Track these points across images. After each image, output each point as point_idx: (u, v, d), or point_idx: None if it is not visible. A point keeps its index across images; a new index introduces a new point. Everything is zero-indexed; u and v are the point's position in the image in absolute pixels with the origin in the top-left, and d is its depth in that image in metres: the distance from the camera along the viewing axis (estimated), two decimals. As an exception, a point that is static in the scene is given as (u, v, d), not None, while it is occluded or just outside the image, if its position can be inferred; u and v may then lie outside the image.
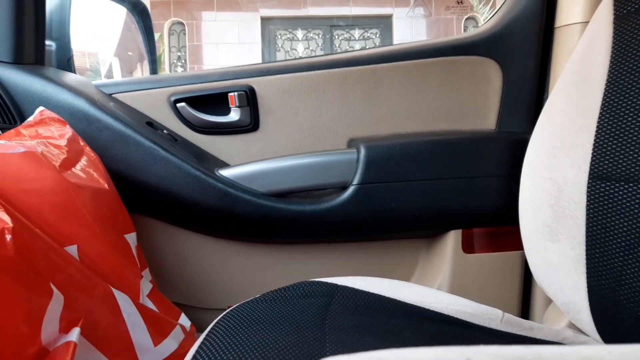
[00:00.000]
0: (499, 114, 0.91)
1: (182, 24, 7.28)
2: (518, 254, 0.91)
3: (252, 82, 0.92)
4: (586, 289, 0.52)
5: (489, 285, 0.91)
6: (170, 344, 0.73)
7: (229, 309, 0.59)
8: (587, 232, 0.52)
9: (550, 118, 0.59)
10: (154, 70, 1.59)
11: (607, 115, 0.51)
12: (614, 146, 0.50)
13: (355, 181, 0.87)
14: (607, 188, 0.50)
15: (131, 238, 0.78)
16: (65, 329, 0.55)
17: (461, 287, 0.91)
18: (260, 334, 0.50)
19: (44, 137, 0.71)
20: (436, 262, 0.93)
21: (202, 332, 0.56)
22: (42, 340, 0.50)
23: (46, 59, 0.95)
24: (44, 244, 0.56)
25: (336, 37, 7.45)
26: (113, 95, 0.93)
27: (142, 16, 1.47)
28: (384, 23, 7.44)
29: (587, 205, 0.52)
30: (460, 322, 0.56)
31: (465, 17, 7.33)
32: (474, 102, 0.91)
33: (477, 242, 0.90)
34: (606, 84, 0.51)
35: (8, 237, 0.50)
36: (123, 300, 0.66)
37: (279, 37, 7.45)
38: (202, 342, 0.51)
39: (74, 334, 0.55)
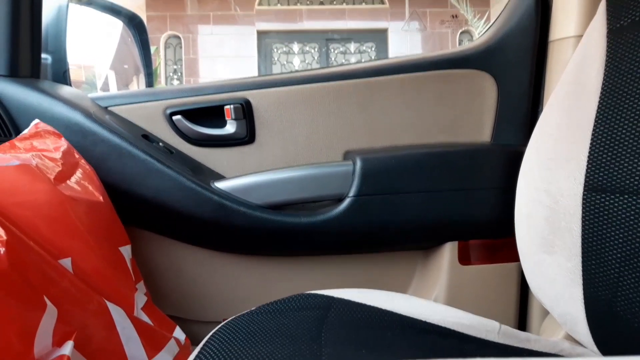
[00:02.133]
0: (494, 126, 0.91)
1: (178, 37, 7.31)
2: (514, 266, 0.91)
3: (248, 95, 0.92)
4: (583, 301, 0.52)
5: (485, 297, 0.91)
6: (165, 357, 0.72)
7: (224, 322, 0.58)
8: (583, 244, 0.52)
9: (545, 130, 0.59)
10: (149, 83, 1.60)
11: (601, 128, 0.51)
12: (608, 158, 0.50)
13: (351, 193, 0.87)
14: (602, 200, 0.50)
15: (126, 251, 0.78)
16: (58, 342, 0.54)
17: (458, 299, 0.90)
18: (256, 347, 0.49)
19: (39, 150, 0.71)
20: (433, 274, 0.93)
21: (197, 345, 0.56)
22: (35, 354, 0.50)
23: (42, 72, 0.95)
24: (38, 257, 0.56)
25: (332, 50, 7.50)
26: (109, 108, 0.93)
27: (138, 29, 1.47)
28: (379, 37, 7.49)
29: (583, 217, 0.52)
30: (457, 334, 0.56)
31: (460, 31, 7.39)
32: (469, 115, 0.91)
33: (474, 253, 0.90)
34: (600, 97, 0.52)
35: (2, 250, 0.49)
36: (117, 313, 0.65)
37: (275, 50, 7.50)
38: (197, 356, 0.50)
39: (68, 348, 0.54)
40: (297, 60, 7.50)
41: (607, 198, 0.50)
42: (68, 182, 0.70)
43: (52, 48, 1.05)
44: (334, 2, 7.38)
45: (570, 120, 0.55)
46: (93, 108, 0.90)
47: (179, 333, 0.82)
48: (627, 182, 0.48)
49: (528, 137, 0.64)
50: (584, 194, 0.52)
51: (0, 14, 0.85)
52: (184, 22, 7.28)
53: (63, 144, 0.77)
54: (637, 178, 0.47)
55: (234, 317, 0.59)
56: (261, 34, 7.39)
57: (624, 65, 0.50)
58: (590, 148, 0.52)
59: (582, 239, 0.52)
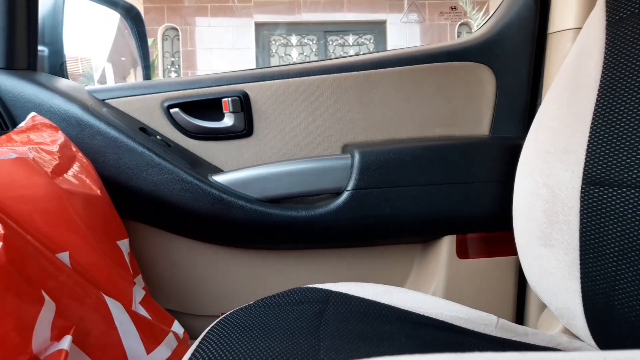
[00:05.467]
0: (493, 119, 0.91)
1: (175, 29, 7.28)
2: (512, 260, 0.91)
3: (246, 87, 0.92)
4: (580, 294, 0.52)
5: (483, 291, 0.91)
6: (163, 351, 0.72)
7: (223, 316, 0.58)
8: (580, 237, 0.52)
9: (544, 123, 0.59)
10: (147, 75, 1.59)
11: (600, 121, 0.51)
12: (607, 151, 0.50)
13: (350, 187, 0.86)
14: (600, 193, 0.50)
15: (124, 245, 0.78)
16: (56, 336, 0.54)
17: (456, 292, 0.91)
18: (254, 341, 0.49)
19: (35, 143, 0.71)
20: (431, 268, 0.93)
21: (195, 339, 0.56)
22: (33, 349, 0.50)
23: (39, 64, 0.94)
24: (36, 251, 0.56)
25: (330, 42, 7.47)
26: (106, 101, 0.93)
27: (135, 21, 1.47)
28: (377, 29, 7.46)
29: (581, 211, 0.52)
30: (455, 328, 0.56)
31: (459, 23, 7.37)
32: (467, 108, 0.91)
33: (472, 247, 0.90)
34: (599, 90, 0.52)
35: (0, 244, 0.49)
36: (115, 307, 0.65)
37: (273, 42, 7.47)
38: (195, 350, 0.50)
39: (66, 342, 0.54)
40: (295, 52, 7.47)
41: (605, 191, 0.49)
42: (65, 175, 0.69)
43: (48, 40, 1.05)
44: (332, -6, 7.35)
45: (569, 113, 0.55)
46: (90, 101, 0.90)
47: (177, 327, 0.82)
48: (625, 175, 0.48)
49: (527, 129, 0.64)
50: (582, 187, 0.52)
51: (-4, 6, 0.85)
52: (182, 13, 7.24)
53: (60, 137, 0.76)
54: (634, 171, 0.47)
55: (232, 311, 0.59)
56: (259, 26, 7.36)
57: (623, 58, 0.50)
58: (588, 141, 0.52)
59: (580, 233, 0.52)
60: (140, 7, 6.88)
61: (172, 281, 0.95)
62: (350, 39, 7.47)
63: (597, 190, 0.50)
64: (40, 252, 0.56)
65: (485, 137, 0.91)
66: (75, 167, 0.74)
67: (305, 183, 0.88)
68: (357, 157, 0.86)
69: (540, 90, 0.89)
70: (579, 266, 0.52)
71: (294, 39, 7.46)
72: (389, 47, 7.29)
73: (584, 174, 0.51)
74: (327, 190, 0.89)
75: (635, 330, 0.47)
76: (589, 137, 0.52)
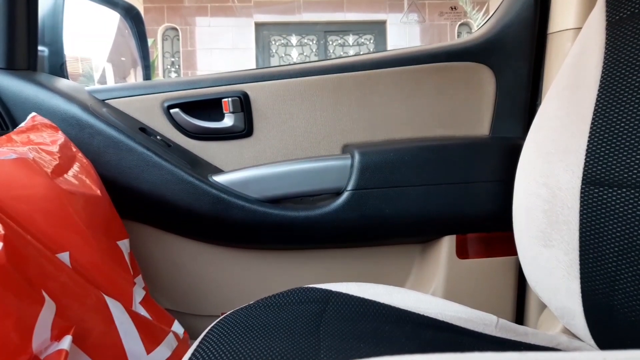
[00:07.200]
0: (493, 119, 0.91)
1: (175, 29, 7.28)
2: (512, 259, 0.91)
3: (246, 87, 0.92)
4: (580, 294, 0.52)
5: (483, 291, 0.91)
6: (163, 351, 0.72)
7: (223, 316, 0.58)
8: (580, 237, 0.52)
9: (544, 124, 0.59)
10: (147, 75, 1.59)
11: (600, 121, 0.51)
12: (606, 151, 0.50)
13: (350, 187, 0.86)
14: (600, 193, 0.50)
15: (124, 245, 0.78)
16: (57, 337, 0.54)
17: (455, 292, 0.91)
18: (254, 341, 0.49)
19: (35, 143, 0.71)
20: (430, 268, 0.93)
21: (195, 339, 0.56)
22: (33, 349, 0.50)
23: (39, 64, 0.94)
24: (36, 251, 0.56)
25: (330, 42, 7.47)
26: (106, 101, 0.93)
27: (135, 21, 1.47)
28: (378, 29, 7.46)
29: (581, 211, 0.52)
30: (455, 328, 0.56)
31: (459, 23, 7.37)
32: (467, 108, 0.91)
33: (472, 247, 0.90)
34: (599, 90, 0.52)
35: (0, 244, 0.49)
36: (115, 307, 0.65)
37: (273, 42, 7.46)
38: (196, 350, 0.51)
39: (66, 342, 0.54)
40: (295, 52, 7.47)
41: (605, 191, 0.49)
42: (65, 175, 0.69)
43: (48, 40, 1.05)
44: (332, -6, 7.35)
45: (569, 113, 0.55)
46: (90, 101, 0.90)
47: (177, 327, 0.82)
48: (625, 175, 0.48)
49: (527, 130, 0.64)
50: (582, 188, 0.52)
51: (-4, 7, 0.85)
52: (182, 13, 7.24)
53: (60, 137, 0.76)
54: (634, 171, 0.47)
55: (232, 311, 0.59)
56: (259, 26, 7.36)
57: (623, 58, 0.50)
58: (588, 141, 0.52)
59: (580, 233, 0.52)
60: (140, 7, 6.88)
61: (172, 281, 0.95)
62: (350, 39, 7.47)
63: (597, 190, 0.50)
64: (41, 252, 0.56)
65: (485, 137, 0.91)
66: (76, 167, 0.74)
67: (305, 183, 0.88)
68: (357, 157, 0.86)
69: (540, 90, 0.89)
70: (578, 266, 0.52)
71: (294, 39, 7.46)
72: (389, 47, 7.29)
73: (584, 174, 0.51)
74: (327, 190, 0.89)
75: (635, 330, 0.47)
76: (589, 137, 0.52)
